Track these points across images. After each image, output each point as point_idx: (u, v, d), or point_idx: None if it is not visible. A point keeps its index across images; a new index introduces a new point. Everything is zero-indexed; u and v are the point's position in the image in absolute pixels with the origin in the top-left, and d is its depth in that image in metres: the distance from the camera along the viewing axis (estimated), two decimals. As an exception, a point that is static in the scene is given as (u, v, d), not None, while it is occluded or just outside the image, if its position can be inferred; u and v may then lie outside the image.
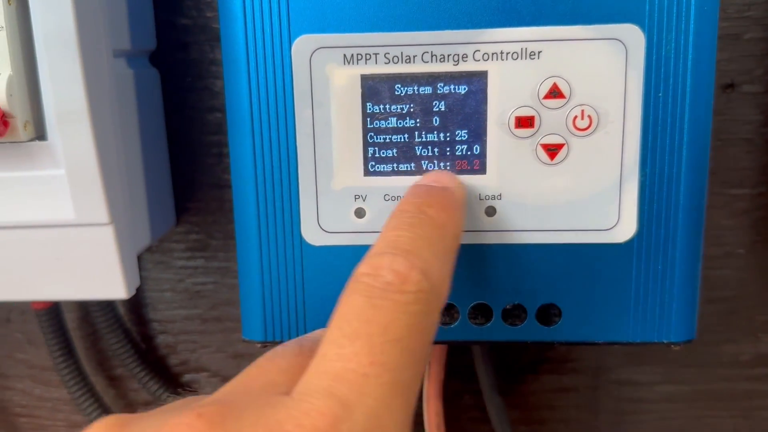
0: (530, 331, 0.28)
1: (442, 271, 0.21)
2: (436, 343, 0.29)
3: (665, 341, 0.27)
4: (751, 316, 0.37)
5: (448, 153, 0.26)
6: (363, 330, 0.19)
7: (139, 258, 0.38)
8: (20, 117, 0.28)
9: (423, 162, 0.27)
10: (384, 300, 0.19)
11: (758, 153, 0.35)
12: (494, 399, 0.34)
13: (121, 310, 0.39)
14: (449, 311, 0.28)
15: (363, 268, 0.20)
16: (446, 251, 0.23)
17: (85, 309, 0.39)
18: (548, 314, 0.28)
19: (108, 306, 0.38)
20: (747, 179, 0.36)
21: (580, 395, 0.39)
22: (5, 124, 0.27)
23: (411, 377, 0.19)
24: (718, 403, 0.39)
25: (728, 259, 0.37)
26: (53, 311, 0.37)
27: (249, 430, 0.17)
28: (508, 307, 0.27)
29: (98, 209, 0.28)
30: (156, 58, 0.35)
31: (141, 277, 0.38)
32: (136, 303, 0.39)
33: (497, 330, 0.28)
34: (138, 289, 0.38)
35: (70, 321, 0.39)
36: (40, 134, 0.29)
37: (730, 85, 0.34)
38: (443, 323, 0.28)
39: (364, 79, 0.26)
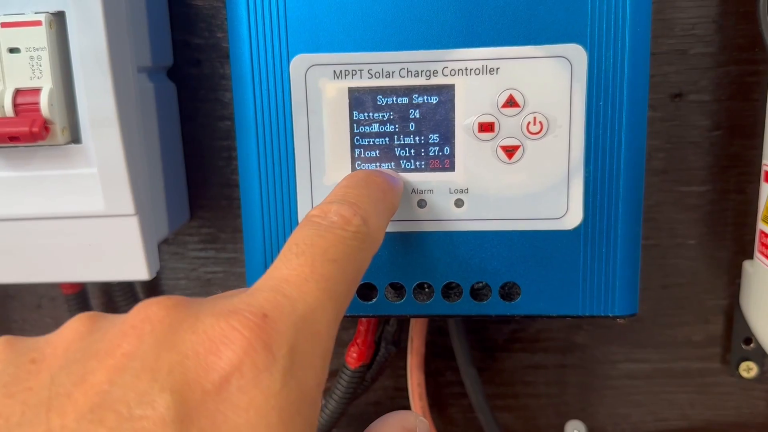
0: (494, 306, 0.32)
1: (378, 223, 0.26)
2: (415, 317, 0.33)
3: (611, 315, 0.32)
4: (702, 301, 0.41)
5: (422, 153, 0.31)
6: (308, 250, 0.23)
7: (158, 248, 0.42)
8: (59, 123, 0.32)
9: (402, 161, 0.31)
10: (328, 232, 0.23)
11: (704, 155, 0.39)
12: (469, 371, 0.38)
13: (141, 297, 0.43)
14: (424, 290, 0.32)
15: (315, 211, 0.25)
16: (384, 210, 0.27)
17: (109, 295, 0.44)
18: (510, 292, 0.32)
19: (130, 292, 0.42)
20: (695, 178, 0.40)
21: (549, 372, 0.43)
22: (47, 129, 0.32)
23: (342, 291, 0.23)
24: (674, 380, 0.43)
25: (680, 250, 0.41)
26: (81, 296, 0.42)
27: (207, 309, 0.20)
28: (475, 285, 0.32)
29: (125, 202, 0.33)
30: (173, 73, 0.40)
31: (159, 266, 0.43)
32: (154, 290, 0.44)
33: (466, 305, 0.32)
34: (156, 278, 0.43)
35: (96, 306, 0.43)
36: (75, 138, 0.33)
37: (678, 95, 0.39)
38: (420, 301, 0.32)
39: (351, 91, 0.31)
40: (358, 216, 0.25)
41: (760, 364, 0.41)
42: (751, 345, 0.41)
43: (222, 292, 0.43)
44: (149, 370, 0.18)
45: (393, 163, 0.31)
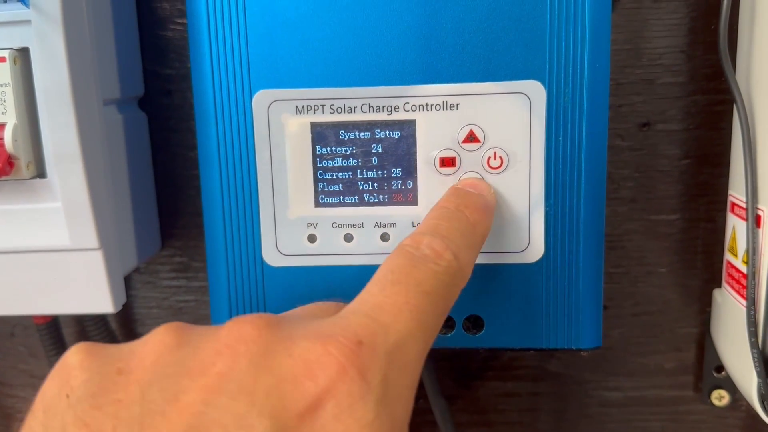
0: (459, 338, 0.32)
1: (468, 258, 0.26)
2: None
3: (574, 348, 0.32)
4: (673, 329, 0.41)
5: (385, 187, 0.31)
6: (402, 280, 0.23)
7: (129, 278, 0.42)
8: (24, 158, 0.32)
9: (365, 195, 0.31)
10: (422, 265, 0.23)
11: (673, 183, 0.40)
12: (438, 402, 0.38)
13: (114, 325, 0.43)
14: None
15: (407, 241, 0.25)
16: (474, 244, 0.27)
17: (81, 324, 0.43)
18: (474, 324, 0.32)
19: (101, 321, 0.42)
20: (664, 206, 0.40)
21: (522, 400, 0.43)
22: (11, 164, 0.32)
23: (433, 323, 0.23)
24: (647, 408, 0.43)
25: (651, 278, 0.41)
26: (52, 326, 0.42)
27: (299, 330, 0.20)
28: (439, 318, 0.32)
29: (89, 236, 0.33)
30: (144, 103, 0.40)
31: (131, 296, 0.43)
32: (126, 318, 0.44)
33: (431, 339, 0.32)
34: (128, 306, 0.43)
35: (68, 335, 0.43)
36: (41, 172, 0.33)
37: (646, 124, 0.39)
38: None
39: (314, 126, 0.31)
40: (450, 251, 0.24)
41: (732, 392, 0.41)
42: (723, 373, 0.41)
43: (193, 320, 0.43)
44: (247, 392, 0.18)
45: (356, 197, 0.31)
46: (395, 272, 0.23)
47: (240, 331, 0.20)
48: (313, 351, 0.19)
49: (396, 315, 0.21)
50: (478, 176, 0.30)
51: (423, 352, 0.22)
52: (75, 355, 0.20)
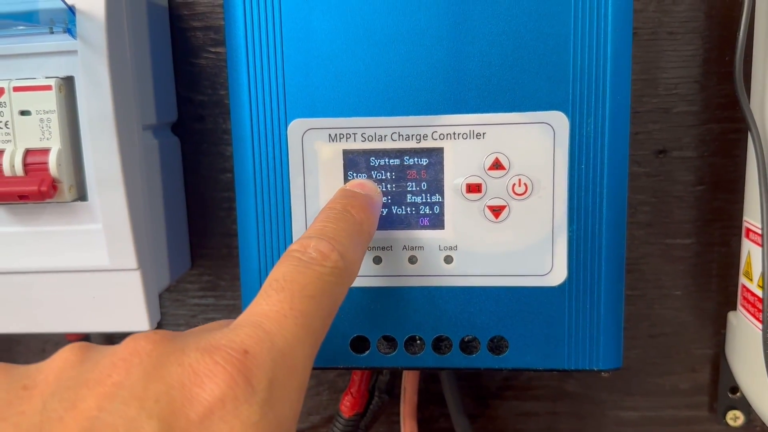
0: (483, 359, 0.33)
1: (354, 255, 0.27)
2: (406, 369, 0.34)
3: (595, 369, 0.33)
4: (689, 351, 0.42)
5: (413, 212, 0.32)
6: (287, 286, 0.24)
7: (159, 296, 0.44)
8: (66, 182, 0.34)
9: (394, 219, 0.32)
10: (307, 269, 0.25)
11: (689, 209, 0.41)
12: (460, 419, 0.39)
13: (142, 343, 0.45)
14: (416, 342, 0.33)
15: (295, 245, 0.26)
16: (361, 242, 0.29)
17: (111, 341, 0.45)
18: (498, 345, 0.33)
19: (131, 338, 0.43)
20: (680, 231, 0.41)
21: (540, 419, 0.44)
22: (54, 188, 0.34)
23: (319, 325, 0.24)
24: (663, 428, 0.44)
25: (667, 300, 0.42)
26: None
27: (191, 343, 0.21)
28: (464, 339, 0.33)
29: (128, 257, 0.34)
30: (177, 128, 0.42)
31: (160, 313, 0.44)
32: (155, 336, 0.45)
33: (456, 358, 0.33)
34: (157, 324, 0.44)
35: (98, 352, 0.45)
36: (82, 195, 0.35)
37: (663, 151, 0.40)
38: (412, 353, 0.33)
39: (346, 153, 0.32)
40: (336, 252, 0.26)
41: (747, 413, 0.42)
42: (738, 394, 0.42)
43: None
44: (137, 398, 0.20)
45: (386, 221, 0.32)
46: (280, 280, 0.24)
47: (135, 346, 0.21)
48: (202, 361, 0.21)
49: (280, 322, 0.23)
50: (503, 201, 0.32)
51: (311, 352, 0.24)
52: None
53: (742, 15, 0.35)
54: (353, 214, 0.29)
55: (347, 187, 0.32)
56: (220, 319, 0.44)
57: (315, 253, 0.26)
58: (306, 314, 0.24)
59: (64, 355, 0.22)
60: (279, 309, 0.23)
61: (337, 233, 0.27)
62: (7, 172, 0.33)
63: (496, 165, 0.31)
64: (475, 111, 0.31)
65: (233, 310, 0.44)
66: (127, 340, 0.22)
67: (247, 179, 0.33)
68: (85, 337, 0.43)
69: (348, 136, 0.32)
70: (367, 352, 0.33)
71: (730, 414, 0.42)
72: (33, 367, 0.22)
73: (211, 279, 0.44)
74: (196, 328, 0.27)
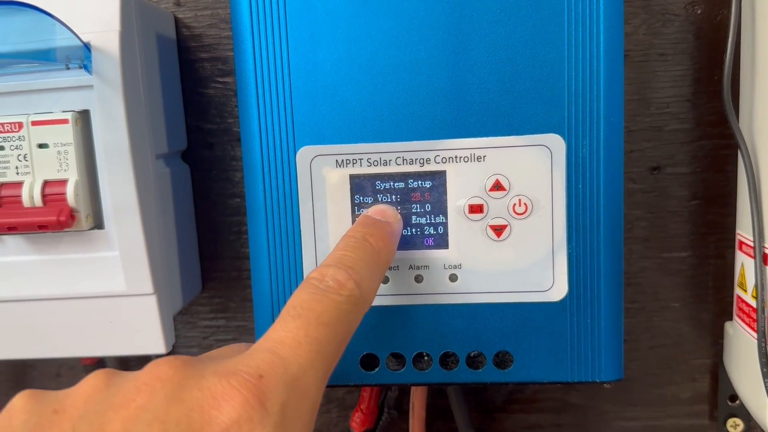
0: (489, 373, 0.34)
1: (371, 285, 0.28)
2: (415, 385, 0.35)
3: (597, 380, 0.34)
4: (688, 361, 0.44)
5: (419, 232, 0.34)
6: (304, 314, 0.25)
7: (173, 319, 0.45)
8: (83, 212, 0.35)
9: (400, 239, 0.34)
10: (324, 297, 0.26)
11: (683, 223, 0.42)
12: (468, 433, 0.40)
13: (155, 365, 0.46)
14: (423, 359, 0.34)
15: (314, 273, 0.27)
16: (377, 271, 0.30)
17: (126, 365, 0.46)
18: (503, 360, 0.34)
19: (145, 362, 0.44)
20: (676, 245, 0.42)
21: (546, 431, 0.45)
22: (72, 218, 0.35)
23: (332, 351, 0.25)
24: (666, 436, 0.45)
25: (665, 312, 0.43)
26: (99, 366, 0.44)
27: (210, 368, 0.23)
28: (470, 354, 0.34)
29: (144, 282, 0.36)
30: (187, 155, 0.43)
31: (174, 339, 0.45)
32: (167, 358, 0.46)
33: (463, 373, 0.34)
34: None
35: (112, 375, 0.46)
36: (99, 224, 0.36)
37: (657, 168, 0.42)
38: (420, 369, 0.34)
39: (352, 177, 0.33)
40: (352, 281, 0.27)
41: (747, 420, 0.43)
42: (737, 402, 0.43)
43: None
44: (160, 420, 0.21)
45: (392, 242, 0.34)
46: (297, 307, 0.26)
47: (158, 371, 0.23)
48: (220, 385, 0.22)
49: (295, 348, 0.24)
50: (504, 221, 0.33)
51: (324, 377, 0.25)
52: (19, 400, 0.23)
53: (728, 36, 0.36)
54: (371, 243, 0.30)
55: (369, 214, 0.33)
56: (230, 339, 0.45)
57: (332, 282, 0.27)
58: (320, 341, 0.25)
59: (91, 381, 0.24)
60: (294, 336, 0.24)
61: (354, 262, 0.28)
62: (26, 203, 0.34)
63: (497, 186, 0.33)
64: (475, 135, 0.33)
65: (243, 331, 0.45)
66: (150, 365, 0.23)
67: (258, 205, 0.34)
68: (100, 361, 0.44)
69: (354, 161, 0.33)
70: (377, 369, 0.34)
71: (731, 421, 0.43)
72: (62, 393, 0.24)
73: (222, 301, 0.45)
74: (215, 351, 0.29)
